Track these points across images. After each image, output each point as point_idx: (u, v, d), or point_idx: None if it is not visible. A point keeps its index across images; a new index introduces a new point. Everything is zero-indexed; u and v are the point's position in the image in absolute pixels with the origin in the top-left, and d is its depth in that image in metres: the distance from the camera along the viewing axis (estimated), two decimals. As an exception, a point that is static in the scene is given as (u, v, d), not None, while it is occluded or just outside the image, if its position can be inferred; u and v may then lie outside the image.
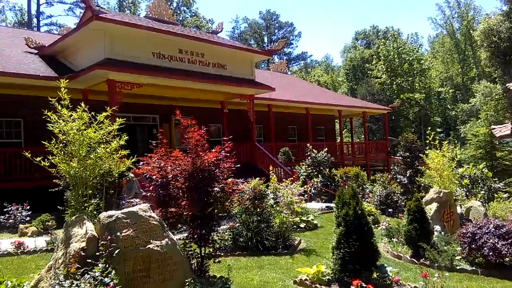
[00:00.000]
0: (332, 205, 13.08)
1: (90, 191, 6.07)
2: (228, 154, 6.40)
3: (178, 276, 5.41)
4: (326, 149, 17.07)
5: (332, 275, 6.61)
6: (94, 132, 6.05)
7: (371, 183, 15.78)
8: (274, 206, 9.21)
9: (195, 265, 6.16)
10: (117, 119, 6.46)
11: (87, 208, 5.99)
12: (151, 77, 13.87)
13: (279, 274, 6.94)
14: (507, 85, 18.93)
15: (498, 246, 7.23)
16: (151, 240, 5.42)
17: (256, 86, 17.57)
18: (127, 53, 13.57)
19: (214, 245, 6.46)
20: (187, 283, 5.22)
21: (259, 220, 8.55)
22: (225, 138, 6.71)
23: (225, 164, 6.29)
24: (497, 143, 34.38)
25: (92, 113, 6.21)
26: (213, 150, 6.26)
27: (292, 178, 11.72)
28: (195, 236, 6.27)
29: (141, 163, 6.53)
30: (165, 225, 5.78)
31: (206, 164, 6.07)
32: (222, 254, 7.70)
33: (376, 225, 10.28)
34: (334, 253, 6.61)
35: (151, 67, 14.03)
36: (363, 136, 31.35)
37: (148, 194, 6.37)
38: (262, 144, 18.89)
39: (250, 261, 7.66)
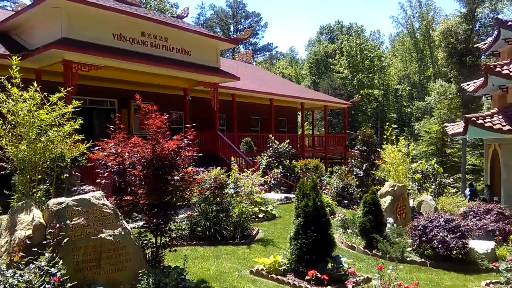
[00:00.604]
0: (291, 195, 13.36)
1: (40, 176, 5.74)
2: (191, 143, 6.25)
3: (131, 266, 5.25)
4: (288, 140, 17.21)
5: (288, 265, 6.69)
6: (46, 114, 5.72)
7: (329, 175, 16.12)
8: (234, 196, 9.18)
9: (150, 255, 6.02)
10: (73, 101, 6.12)
11: (35, 194, 5.67)
12: (111, 60, 13.31)
13: (236, 264, 6.93)
14: (461, 84, 19.87)
15: (447, 239, 7.59)
16: (104, 229, 5.22)
17: (220, 74, 17.34)
18: (86, 33, 12.90)
19: (170, 234, 6.34)
20: (141, 274, 5.07)
21: (218, 210, 8.50)
22: (188, 126, 6.54)
23: (186, 153, 6.15)
24: (448, 141, 36.26)
25: (45, 93, 5.84)
26: (175, 138, 6.10)
27: (253, 169, 11.72)
28: (151, 225, 6.12)
29: (96, 148, 6.24)
30: (120, 214, 5.59)
31: (167, 152, 5.91)
32: (179, 243, 7.57)
33: (332, 216, 10.50)
34: (292, 243, 6.69)
35: (111, 49, 13.45)
36: (323, 129, 31.95)
37: (103, 181, 6.10)
38: (224, 134, 18.75)
39: (207, 250, 7.59)
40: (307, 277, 6.21)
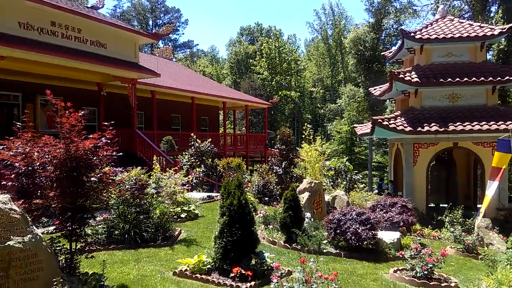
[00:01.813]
0: (214, 194, 13.36)
1: None
2: (109, 141, 5.93)
3: (43, 275, 4.85)
4: (210, 139, 17.15)
5: (213, 264, 6.69)
6: None
7: (250, 173, 16.42)
8: (156, 196, 8.90)
9: (64, 262, 5.60)
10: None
11: None
12: (16, 50, 12.04)
13: (158, 267, 6.75)
14: (369, 89, 21.60)
15: (359, 231, 8.21)
16: (11, 236, 4.75)
17: (139, 69, 16.66)
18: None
19: (86, 239, 5.99)
20: (55, 283, 4.70)
21: (138, 211, 8.17)
22: (106, 123, 6.18)
23: (104, 152, 5.81)
24: (356, 140, 39.21)
25: None
26: (91, 136, 5.73)
27: (175, 168, 11.48)
28: (65, 230, 5.69)
29: (1, 146, 5.62)
30: (29, 219, 5.11)
31: (83, 152, 5.54)
32: (96, 248, 7.15)
33: (254, 213, 10.70)
34: (217, 242, 6.70)
35: (16, 38, 12.17)
36: (244, 128, 32.43)
37: (9, 183, 5.52)
38: (143, 132, 18.05)
39: (127, 254, 7.28)
40: (232, 274, 6.28)
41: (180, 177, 10.53)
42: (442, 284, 6.64)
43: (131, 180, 8.55)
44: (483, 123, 14.15)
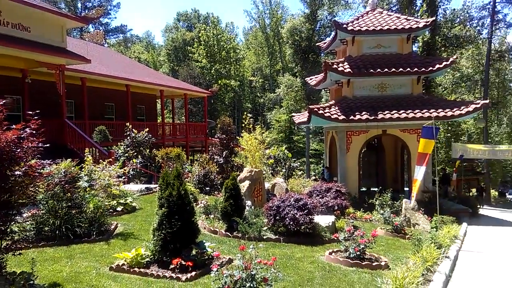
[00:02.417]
0: (152, 186, 13.01)
1: None
2: (34, 132, 5.51)
3: (-39, 279, 4.41)
4: (147, 129, 16.55)
5: (152, 257, 6.56)
6: None
7: (190, 163, 16.21)
8: (89, 189, 8.45)
9: (-12, 262, 5.13)
10: None
11: None
12: None
13: (93, 263, 6.46)
14: (306, 79, 22.18)
15: (297, 216, 8.49)
16: None
17: (67, 55, 15.55)
18: None
19: (13, 237, 5.53)
20: (-24, 286, 4.32)
21: (69, 206, 7.73)
22: (30, 113, 5.71)
23: (29, 144, 5.39)
24: (294, 128, 40.26)
25: None
26: (14, 127, 5.28)
27: (110, 160, 10.95)
28: (-13, 229, 5.21)
29: None
30: None
31: (5, 144, 5.10)
32: (23, 246, 6.62)
33: (195, 203, 10.61)
34: (155, 234, 6.57)
35: None
36: (184, 117, 31.82)
37: None
38: (74, 122, 16.97)
39: (59, 251, 6.88)
40: (172, 266, 6.21)
41: (115, 169, 10.08)
42: (373, 263, 7.09)
43: (60, 173, 8.03)
44: (409, 111, 15.15)
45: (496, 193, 46.37)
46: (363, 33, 16.32)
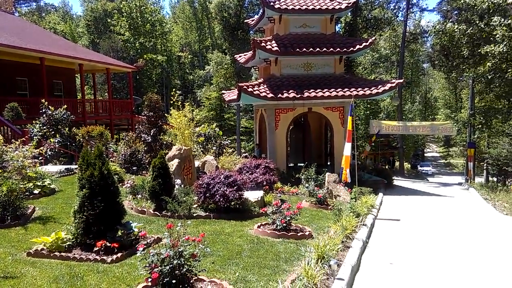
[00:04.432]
0: (73, 166, 12.26)
1: None
2: None
3: None
4: (66, 106, 15.37)
5: (74, 240, 6.31)
6: None
7: (116, 142, 15.51)
8: (0, 171, 7.73)
9: None
10: None
11: None
12: None
13: (9, 249, 6.02)
14: (235, 56, 22.09)
15: (227, 193, 8.59)
16: None
17: (-33, 22, 13.78)
18: None
19: None
20: None
21: (-23, 190, 7.03)
22: None
23: None
24: (225, 106, 40.19)
25: None
26: None
27: (23, 139, 10.06)
28: None
29: None
30: None
31: None
32: None
33: (121, 184, 10.27)
34: (77, 217, 6.31)
35: None
36: (107, 94, 30.08)
37: None
38: (-22, 98, 15.25)
39: (-34, 240, 6.26)
40: (96, 248, 6.01)
41: (29, 149, 9.30)
42: (298, 234, 7.49)
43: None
44: (332, 90, 15.88)
45: (409, 165, 51.15)
46: (289, 11, 16.57)
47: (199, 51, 61.41)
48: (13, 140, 10.13)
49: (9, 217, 7.17)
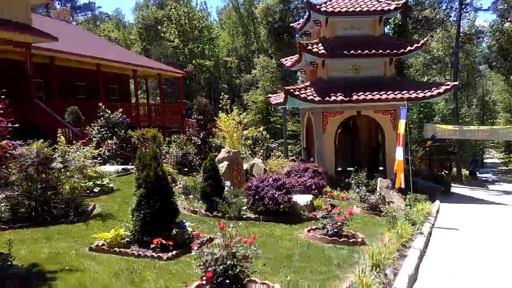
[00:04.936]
0: (129, 167, 12.80)
1: None
2: (3, 112, 5.30)
3: None
4: (121, 109, 16.17)
5: (132, 237, 6.55)
6: None
7: (168, 144, 16.03)
8: (63, 171, 8.24)
9: (-40, 245, 4.98)
10: None
11: None
12: None
13: (72, 243, 6.39)
14: (281, 60, 22.13)
15: (276, 195, 8.60)
16: None
17: (33, 33, 14.84)
18: None
19: (-14, 219, 5.38)
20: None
21: (44, 187, 7.54)
22: None
23: None
24: (271, 110, 40.33)
25: None
26: None
27: (84, 141, 10.68)
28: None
29: None
30: None
31: None
32: (-2, 228, 6.50)
33: (174, 184, 10.58)
34: (134, 214, 6.56)
35: None
36: (159, 98, 31.21)
37: None
38: (43, 102, 16.35)
39: (36, 232, 6.75)
40: (152, 245, 6.22)
41: (90, 150, 9.85)
42: (350, 240, 7.32)
43: (32, 154, 7.77)
44: (382, 93, 15.44)
45: (467, 172, 48.39)
46: (336, 14, 16.37)
47: (245, 55, 62.04)
48: (74, 141, 10.76)
49: (72, 214, 7.62)
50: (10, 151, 5.59)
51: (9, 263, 4.71)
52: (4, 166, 5.51)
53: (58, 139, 9.74)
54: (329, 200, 10.00)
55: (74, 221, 7.46)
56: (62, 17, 27.22)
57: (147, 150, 7.19)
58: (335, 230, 7.42)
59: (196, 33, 54.80)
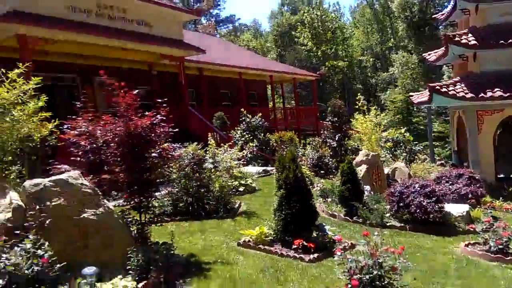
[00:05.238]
0: (269, 168, 13.37)
1: (10, 158, 5.33)
2: (164, 118, 6.03)
3: (118, 244, 5.14)
4: (260, 114, 17.07)
5: (274, 235, 6.75)
6: (7, 92, 5.23)
7: (303, 146, 16.23)
8: (213, 170, 9.04)
9: (135, 232, 5.85)
10: (32, 78, 5.69)
11: (8, 176, 5.27)
12: (66, 33, 12.40)
13: (223, 237, 6.90)
14: (423, 55, 20.34)
15: (424, 204, 7.84)
16: (86, 209, 5.02)
17: (185, 47, 16.73)
18: (38, 5, 11.92)
19: (154, 211, 6.24)
20: (129, 251, 4.95)
21: (198, 185, 8.35)
22: (159, 101, 6.26)
23: (161, 129, 5.93)
24: (413, 109, 37.42)
25: (2, 70, 5.35)
26: (147, 114, 5.87)
27: (230, 143, 11.56)
28: (133, 203, 5.93)
29: (64, 126, 5.92)
30: (99, 193, 5.36)
31: (141, 129, 5.70)
32: (163, 220, 7.43)
33: (311, 186, 10.59)
34: (276, 214, 6.75)
35: (65, 21, 12.53)
36: (293, 101, 31.98)
37: (78, 159, 5.79)
38: (195, 109, 18.32)
39: (192, 225, 7.50)
40: (294, 246, 6.30)
41: (235, 152, 10.63)
42: (521, 259, 6.21)
43: (189, 155, 8.69)
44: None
45: None
46: (487, 0, 14.28)
47: (381, 53, 59.07)
48: (221, 144, 11.73)
49: (221, 210, 8.26)
50: (171, 153, 6.33)
51: (171, 252, 5.31)
52: (166, 166, 6.24)
53: (209, 142, 10.71)
54: (490, 212, 8.66)
55: (223, 217, 8.05)
56: (208, 31, 30.05)
57: (285, 153, 7.36)
58: (500, 246, 6.40)
59: (329, 35, 54.50)
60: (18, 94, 5.37)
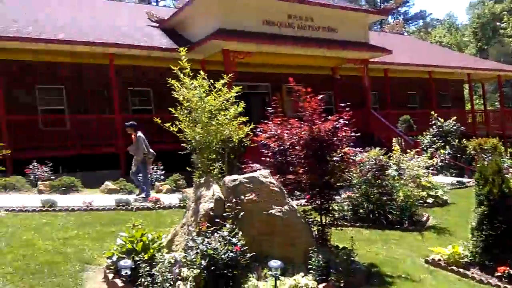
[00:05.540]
0: (464, 180, 11.76)
1: (214, 156, 6.23)
2: (347, 123, 6.00)
3: (300, 243, 5.34)
4: (454, 117, 15.15)
5: (471, 258, 5.97)
6: (214, 100, 6.11)
7: (510, 157, 13.64)
8: (397, 178, 8.47)
9: (316, 233, 5.99)
10: (234, 87, 6.49)
11: (212, 171, 6.17)
12: (262, 45, 13.80)
13: (407, 251, 6.41)
14: None
15: None
16: (273, 206, 5.39)
17: (370, 49, 16.31)
18: (239, 22, 13.64)
19: (334, 214, 6.26)
20: (311, 251, 5.10)
21: (380, 193, 7.98)
22: (342, 105, 6.25)
23: (343, 133, 5.94)
24: None
25: (211, 80, 6.28)
26: (330, 118, 5.98)
27: (417, 150, 10.64)
28: (314, 204, 6.13)
29: (258, 129, 6.53)
30: (285, 192, 5.70)
31: (324, 133, 5.84)
32: (342, 224, 7.37)
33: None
34: (474, 234, 6.01)
35: (261, 35, 13.94)
36: (497, 103, 27.37)
37: (268, 159, 6.31)
38: (378, 112, 17.63)
39: (373, 234, 7.23)
40: (497, 274, 5.39)
41: (423, 159, 9.71)
42: None
43: (370, 161, 8.40)
44: None
45: None
46: None
47: None
48: (407, 150, 10.90)
49: (406, 221, 7.70)
50: (352, 157, 6.26)
51: (351, 258, 5.19)
52: (347, 170, 6.20)
53: (393, 147, 10.12)
54: None
55: (408, 229, 7.49)
56: (395, 30, 28.46)
57: (487, 163, 6.34)
58: None
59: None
60: (222, 101, 6.20)
